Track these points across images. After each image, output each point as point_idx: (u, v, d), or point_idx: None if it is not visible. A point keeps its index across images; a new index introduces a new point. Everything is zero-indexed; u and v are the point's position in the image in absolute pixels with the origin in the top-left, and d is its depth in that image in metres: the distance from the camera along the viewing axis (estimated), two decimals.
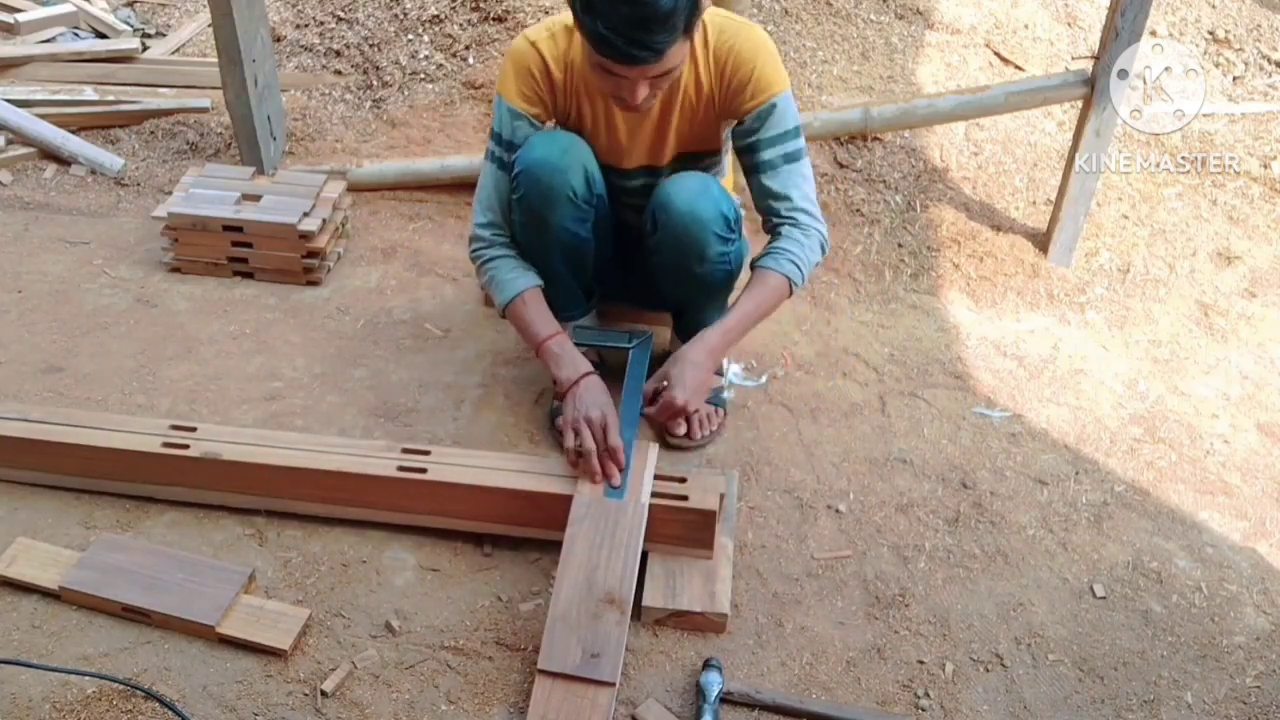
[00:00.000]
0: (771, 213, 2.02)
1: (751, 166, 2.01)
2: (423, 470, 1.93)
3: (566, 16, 1.90)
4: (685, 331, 2.23)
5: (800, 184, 2.00)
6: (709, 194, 1.99)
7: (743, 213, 2.11)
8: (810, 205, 2.01)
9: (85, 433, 2.00)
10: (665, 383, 1.95)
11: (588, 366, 2.00)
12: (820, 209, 2.04)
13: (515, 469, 1.95)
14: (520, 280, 2.03)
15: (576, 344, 2.08)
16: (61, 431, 2.00)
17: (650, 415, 1.97)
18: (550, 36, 1.95)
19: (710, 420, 2.24)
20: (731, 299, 2.11)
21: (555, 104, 2.01)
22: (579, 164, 1.98)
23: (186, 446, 1.97)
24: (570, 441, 1.89)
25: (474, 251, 2.09)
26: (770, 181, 1.99)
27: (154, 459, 1.97)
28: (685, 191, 1.97)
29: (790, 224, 1.99)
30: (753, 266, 2.01)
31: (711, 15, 1.91)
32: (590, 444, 1.87)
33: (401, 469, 1.93)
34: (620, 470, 1.87)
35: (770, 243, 2.01)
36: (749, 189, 2.06)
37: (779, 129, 1.96)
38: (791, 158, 1.98)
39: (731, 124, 2.03)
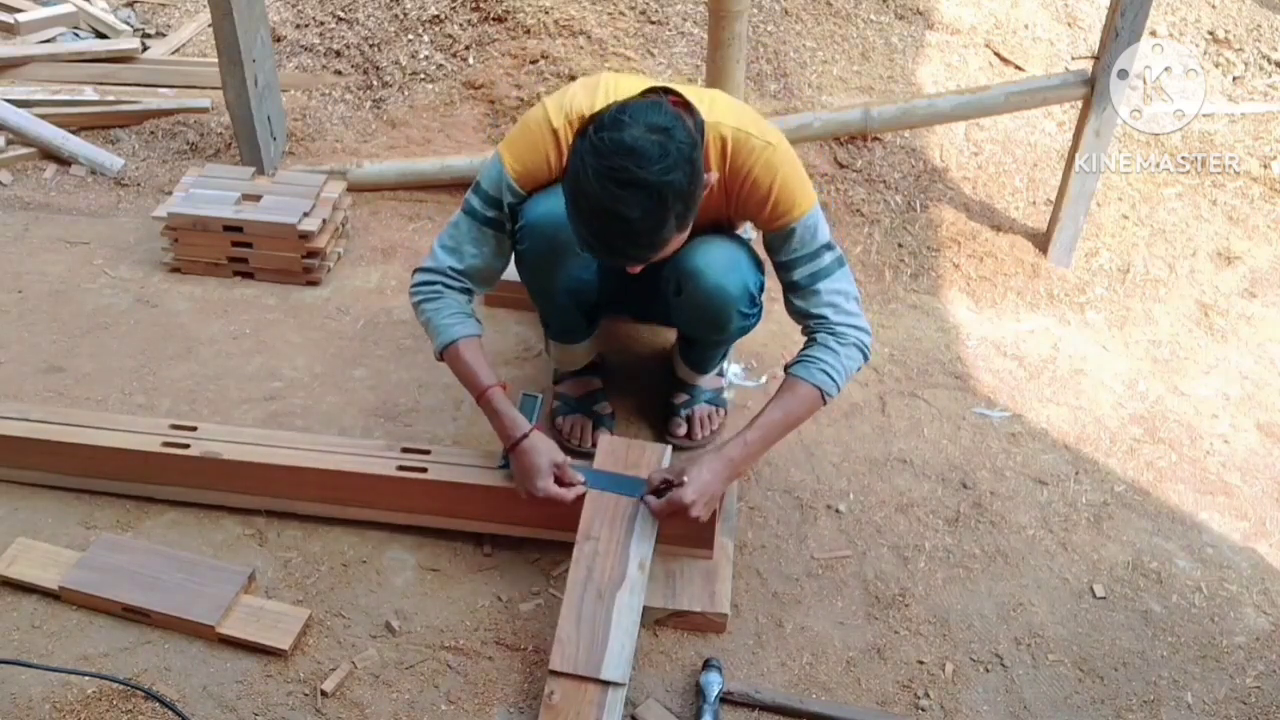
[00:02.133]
0: (806, 328, 1.90)
1: (784, 283, 1.89)
2: (423, 470, 1.93)
3: (590, 99, 1.80)
4: (688, 356, 2.21)
5: (835, 299, 1.85)
6: (738, 270, 1.90)
7: (766, 282, 2.00)
8: (848, 316, 1.85)
9: (85, 432, 2.00)
10: (678, 480, 1.82)
11: (526, 425, 1.87)
12: (861, 310, 1.89)
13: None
14: (458, 327, 1.88)
15: (589, 486, 1.90)
16: (61, 431, 2.00)
17: (653, 508, 1.84)
18: (569, 124, 1.79)
19: (711, 420, 2.24)
20: (762, 408, 1.91)
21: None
22: None
23: (187, 446, 1.97)
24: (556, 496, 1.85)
25: (416, 289, 1.92)
26: (802, 302, 1.87)
27: (154, 459, 1.97)
28: (716, 265, 1.89)
29: (826, 333, 1.85)
30: (785, 370, 1.88)
31: (732, 131, 1.76)
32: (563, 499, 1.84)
33: (401, 469, 1.93)
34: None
35: (804, 349, 1.87)
36: (783, 300, 1.94)
37: (806, 250, 1.83)
38: (823, 275, 1.84)
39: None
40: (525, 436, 1.84)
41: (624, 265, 1.65)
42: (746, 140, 1.77)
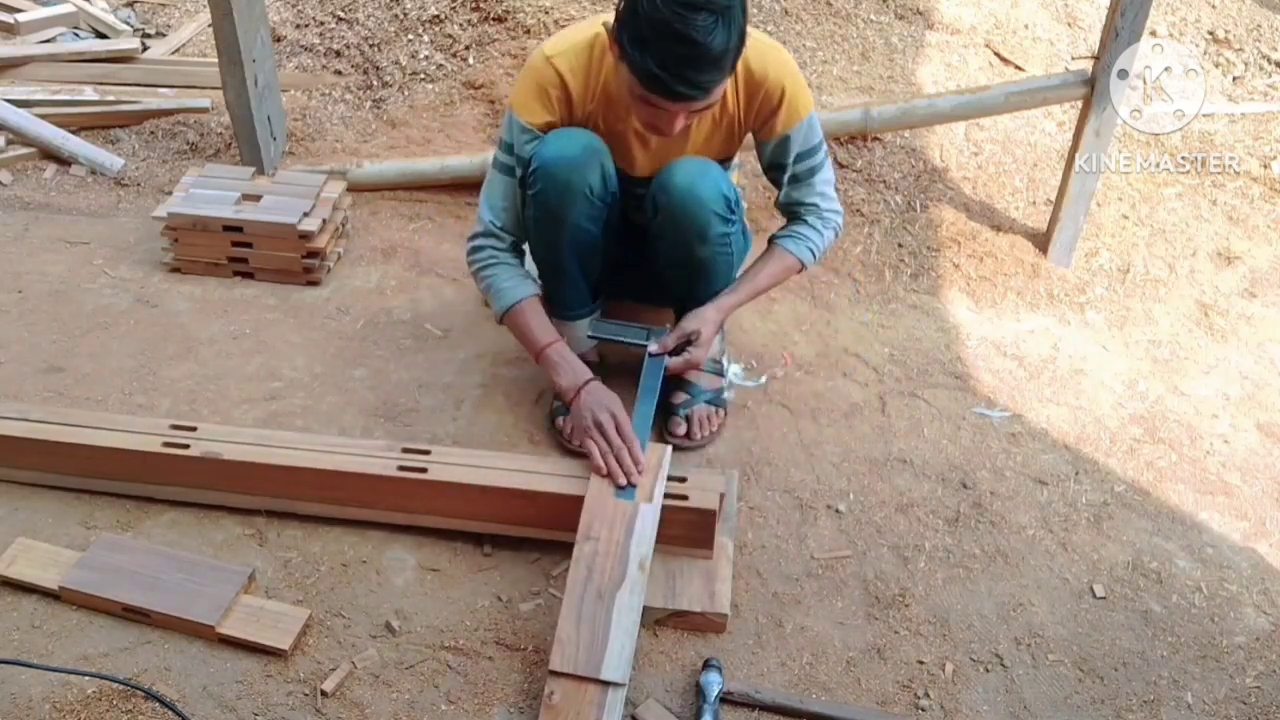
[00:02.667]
0: (794, 214, 2.14)
1: (777, 180, 2.11)
2: (423, 470, 1.93)
3: (587, 32, 1.93)
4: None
5: (825, 189, 2.11)
6: (708, 175, 2.00)
7: (744, 202, 2.14)
8: (832, 202, 2.12)
9: (85, 433, 2.00)
10: (694, 339, 2.07)
11: (588, 374, 2.01)
12: (837, 194, 2.15)
13: (515, 469, 1.95)
14: (519, 289, 2.05)
15: (592, 336, 2.15)
16: (61, 431, 2.00)
17: (672, 366, 2.07)
18: (569, 51, 1.93)
19: (711, 420, 2.24)
20: (743, 268, 2.20)
21: (570, 120, 2.01)
22: (596, 161, 1.98)
23: (187, 446, 1.97)
24: (593, 449, 1.89)
25: (472, 257, 2.10)
26: (796, 192, 2.10)
27: (154, 459, 1.97)
28: (684, 172, 1.99)
29: (815, 217, 2.11)
30: (772, 240, 2.13)
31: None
32: (607, 444, 1.89)
33: (402, 469, 1.93)
34: (637, 464, 1.87)
35: (793, 225, 2.13)
36: (775, 187, 2.16)
37: (807, 146, 2.04)
38: (819, 168, 2.08)
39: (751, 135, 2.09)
40: (587, 384, 2.00)
41: (688, 99, 1.72)
42: (756, 41, 1.88)
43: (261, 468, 1.95)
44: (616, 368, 2.39)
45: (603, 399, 1.96)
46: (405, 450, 1.99)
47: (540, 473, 1.94)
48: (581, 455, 2.06)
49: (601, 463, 1.87)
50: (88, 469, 2.01)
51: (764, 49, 1.94)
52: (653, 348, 2.08)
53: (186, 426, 2.03)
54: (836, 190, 2.14)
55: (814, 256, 2.12)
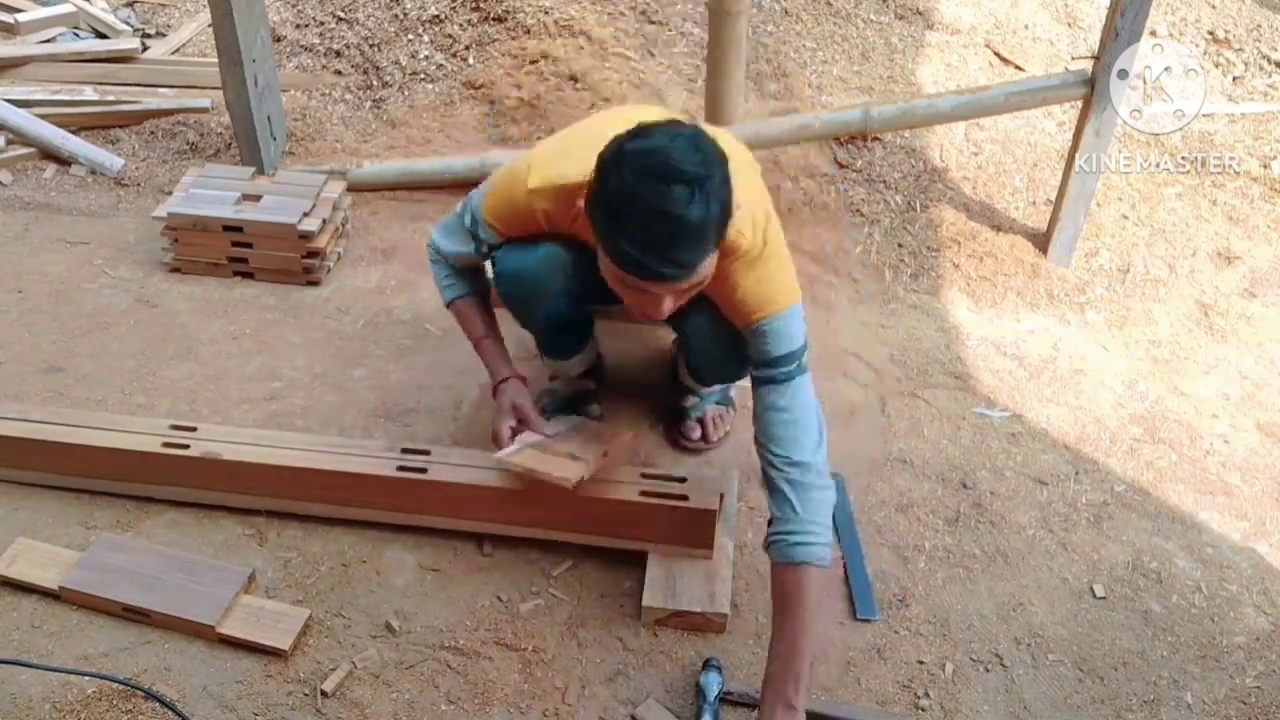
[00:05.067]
0: (776, 464, 1.68)
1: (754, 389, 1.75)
2: (423, 470, 1.93)
3: (578, 168, 1.64)
4: (695, 373, 2.18)
5: (812, 417, 1.71)
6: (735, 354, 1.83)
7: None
8: (822, 448, 1.70)
9: (85, 433, 2.00)
10: None
11: (504, 373, 2.01)
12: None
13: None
14: (459, 287, 1.99)
15: None
16: (61, 431, 2.00)
17: None
18: (553, 192, 1.74)
19: (722, 420, 2.24)
20: (779, 629, 1.65)
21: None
22: (559, 272, 1.86)
23: (187, 446, 1.97)
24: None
25: (429, 247, 2.01)
26: (778, 428, 1.69)
27: (154, 459, 1.97)
28: (714, 350, 1.95)
29: (807, 474, 1.67)
30: (781, 556, 1.64)
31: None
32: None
33: (401, 469, 1.93)
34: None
35: (791, 519, 1.65)
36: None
37: (788, 348, 1.70)
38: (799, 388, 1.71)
39: None
40: (503, 381, 1.99)
41: (669, 280, 1.51)
42: (736, 242, 1.64)
43: (261, 468, 1.95)
44: (614, 368, 2.39)
45: (509, 395, 1.98)
46: (405, 450, 1.99)
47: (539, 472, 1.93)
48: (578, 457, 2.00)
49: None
50: (88, 469, 2.01)
51: (743, 247, 1.65)
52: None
53: (186, 427, 2.03)
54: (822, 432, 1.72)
55: (822, 552, 1.64)
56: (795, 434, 1.67)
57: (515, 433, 1.93)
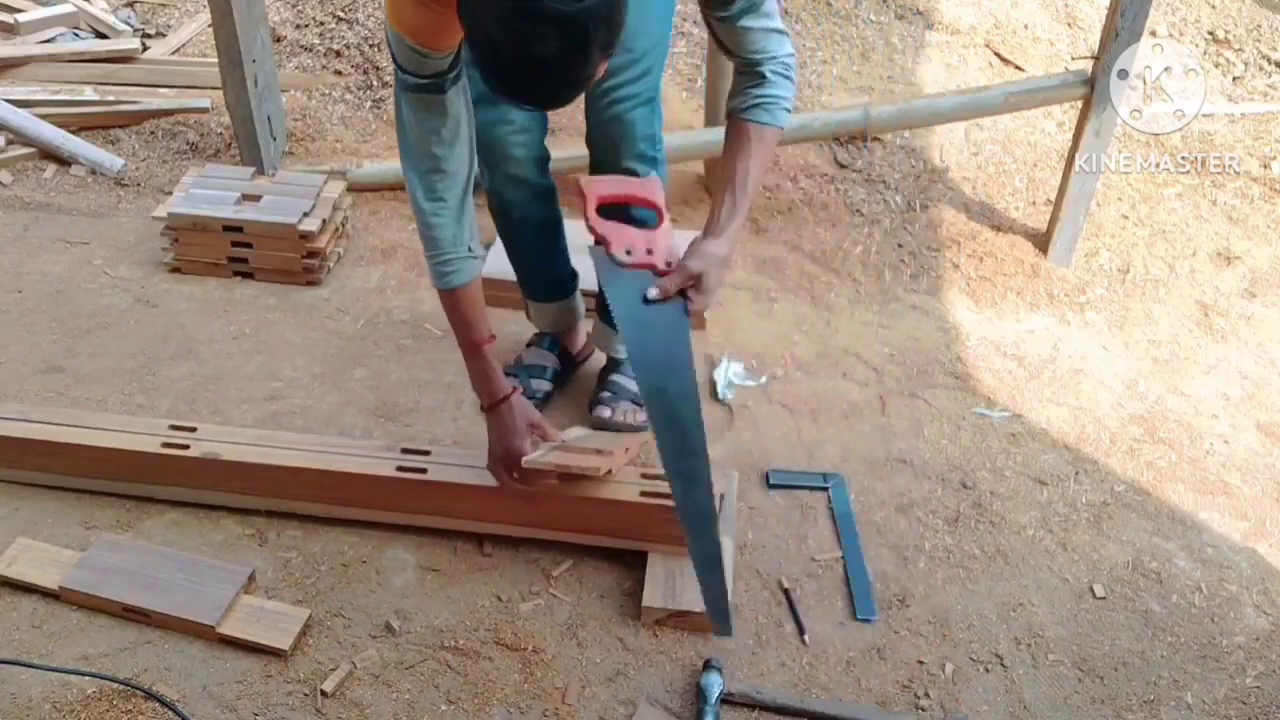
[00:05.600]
0: (750, 65, 1.67)
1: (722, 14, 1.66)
2: (423, 470, 1.93)
3: None
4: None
5: (777, 20, 1.66)
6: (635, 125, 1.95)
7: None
8: (788, 41, 1.69)
9: (85, 433, 2.00)
10: (695, 286, 1.66)
11: (507, 389, 1.84)
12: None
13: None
14: (462, 265, 1.75)
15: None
16: (61, 432, 2.00)
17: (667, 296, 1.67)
18: None
19: (634, 415, 2.22)
20: (731, 166, 1.71)
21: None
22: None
23: (187, 447, 1.97)
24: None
25: (419, 220, 1.78)
26: (753, 24, 1.64)
27: (154, 459, 1.97)
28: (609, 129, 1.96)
29: (770, 64, 1.66)
30: (738, 115, 1.69)
31: None
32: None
33: (401, 469, 1.93)
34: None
35: (759, 86, 1.66)
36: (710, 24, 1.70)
37: None
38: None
39: None
40: (505, 400, 1.82)
41: (549, 109, 1.50)
42: None
43: (261, 468, 1.95)
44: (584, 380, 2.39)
45: (518, 414, 1.83)
46: (405, 451, 1.99)
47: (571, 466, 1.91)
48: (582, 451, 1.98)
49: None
50: (88, 469, 2.01)
51: None
52: (651, 293, 1.65)
53: (186, 427, 2.03)
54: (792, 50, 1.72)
55: (788, 117, 1.72)
56: (781, 26, 1.68)
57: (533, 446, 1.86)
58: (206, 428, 2.04)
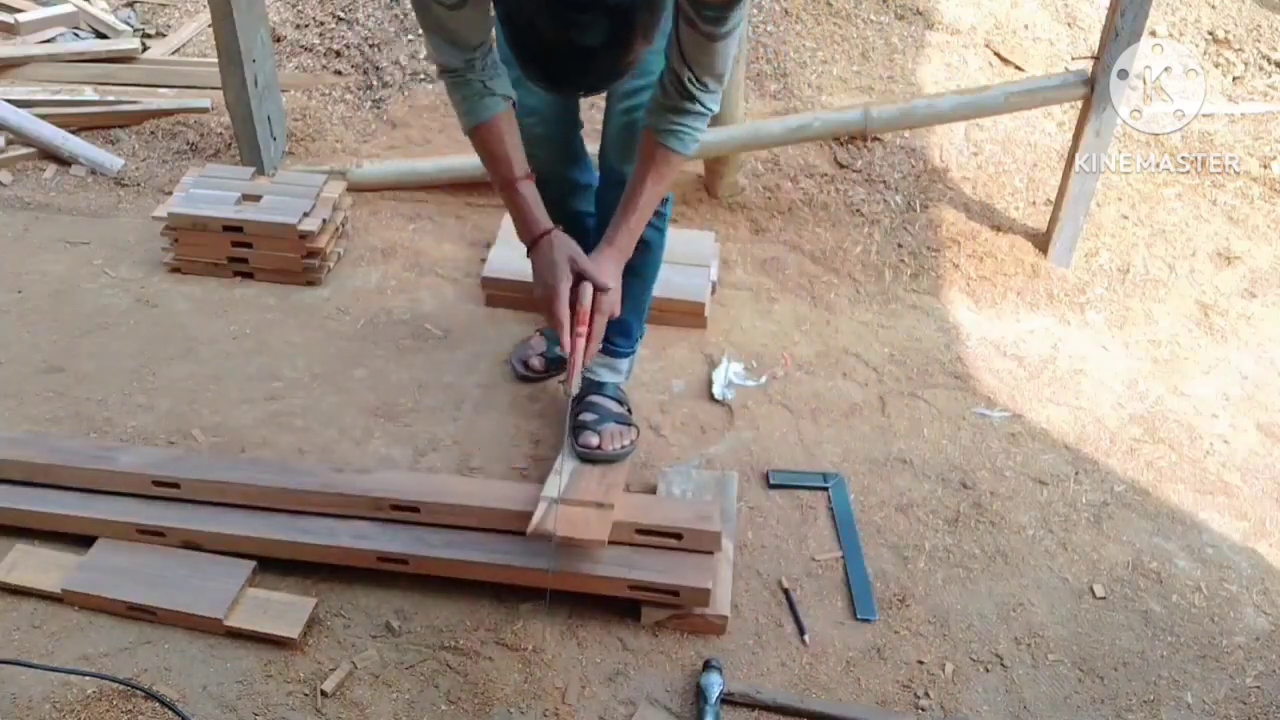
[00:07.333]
0: (681, 78, 1.64)
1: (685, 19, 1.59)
2: (405, 561, 1.87)
3: None
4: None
5: (726, 64, 1.63)
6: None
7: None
8: (718, 90, 1.68)
9: (58, 499, 1.94)
10: (598, 302, 1.70)
11: (547, 224, 1.76)
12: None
13: (499, 550, 1.87)
14: (485, 103, 1.68)
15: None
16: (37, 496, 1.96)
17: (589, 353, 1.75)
18: None
19: (622, 437, 2.08)
20: (641, 184, 1.75)
21: None
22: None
23: (162, 534, 1.90)
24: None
25: (445, 81, 1.71)
26: (696, 50, 1.59)
27: (129, 529, 1.92)
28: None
29: (705, 99, 1.66)
30: (655, 135, 1.69)
31: None
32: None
33: (381, 559, 1.87)
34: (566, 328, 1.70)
35: (671, 105, 1.66)
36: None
37: None
38: (731, 32, 1.59)
39: None
40: (546, 234, 1.73)
41: (588, 95, 1.49)
42: None
43: (243, 538, 1.90)
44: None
45: (561, 249, 1.72)
46: (394, 507, 1.90)
47: (523, 553, 1.85)
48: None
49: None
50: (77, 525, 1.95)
51: None
52: (573, 390, 1.72)
53: (168, 481, 1.93)
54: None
55: (695, 150, 1.74)
56: (726, 70, 1.64)
57: (574, 298, 1.70)
58: (187, 483, 1.93)
